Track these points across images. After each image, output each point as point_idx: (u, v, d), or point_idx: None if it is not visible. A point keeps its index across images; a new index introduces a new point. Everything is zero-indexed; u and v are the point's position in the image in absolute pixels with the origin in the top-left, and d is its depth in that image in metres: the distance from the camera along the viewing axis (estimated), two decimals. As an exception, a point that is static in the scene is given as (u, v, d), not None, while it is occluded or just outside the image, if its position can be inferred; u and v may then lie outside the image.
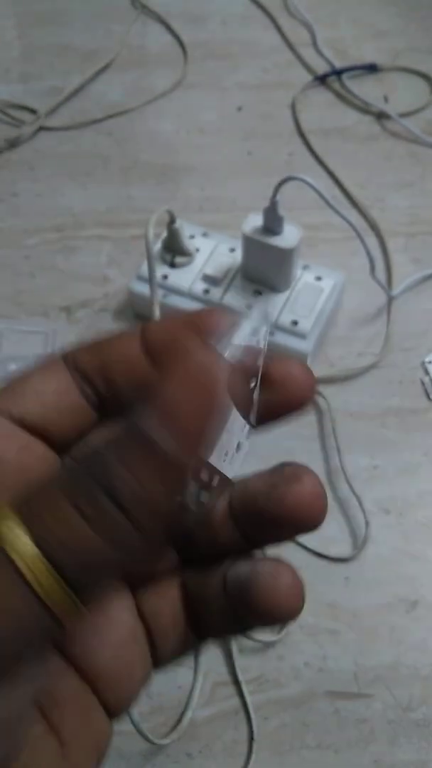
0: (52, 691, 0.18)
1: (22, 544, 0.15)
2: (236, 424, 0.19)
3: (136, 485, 0.16)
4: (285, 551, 0.47)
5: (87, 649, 0.19)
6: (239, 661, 0.44)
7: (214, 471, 0.18)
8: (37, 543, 0.16)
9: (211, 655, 0.44)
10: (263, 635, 0.44)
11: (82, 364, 0.21)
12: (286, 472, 0.20)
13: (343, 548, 0.47)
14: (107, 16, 0.77)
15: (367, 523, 0.47)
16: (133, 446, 0.16)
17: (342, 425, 0.52)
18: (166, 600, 0.21)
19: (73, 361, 0.21)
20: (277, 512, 0.19)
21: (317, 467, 0.50)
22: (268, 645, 0.44)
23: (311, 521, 0.19)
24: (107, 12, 0.77)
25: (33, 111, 0.69)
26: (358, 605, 0.45)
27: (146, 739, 0.40)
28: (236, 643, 0.44)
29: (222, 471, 0.19)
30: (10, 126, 0.69)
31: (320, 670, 0.44)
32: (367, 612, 0.45)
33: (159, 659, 0.21)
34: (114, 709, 0.19)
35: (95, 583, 0.17)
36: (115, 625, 0.20)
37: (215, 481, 0.18)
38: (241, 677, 0.43)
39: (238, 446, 0.20)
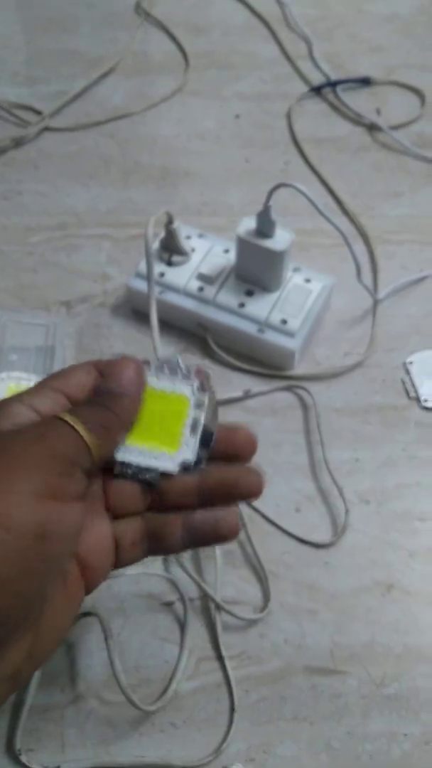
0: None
1: (73, 419, 0.30)
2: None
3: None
4: (270, 537, 0.50)
5: (82, 546, 0.32)
6: (223, 638, 0.46)
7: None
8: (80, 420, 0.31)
9: (196, 632, 0.47)
10: (247, 614, 0.47)
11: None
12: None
13: (323, 535, 0.50)
14: (112, 23, 0.80)
15: (347, 512, 0.50)
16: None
17: (326, 420, 0.54)
18: (131, 527, 0.34)
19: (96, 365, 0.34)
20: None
21: (302, 459, 0.53)
22: (251, 623, 0.47)
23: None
24: (112, 19, 0.80)
25: (38, 112, 0.72)
26: (337, 588, 0.48)
27: (134, 705, 0.42)
28: (220, 621, 0.47)
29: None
30: (16, 126, 0.71)
31: (299, 647, 0.46)
32: (344, 594, 0.48)
33: (119, 563, 0.34)
34: (89, 586, 0.32)
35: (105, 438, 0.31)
36: (98, 534, 0.33)
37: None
38: (224, 653, 0.46)
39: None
